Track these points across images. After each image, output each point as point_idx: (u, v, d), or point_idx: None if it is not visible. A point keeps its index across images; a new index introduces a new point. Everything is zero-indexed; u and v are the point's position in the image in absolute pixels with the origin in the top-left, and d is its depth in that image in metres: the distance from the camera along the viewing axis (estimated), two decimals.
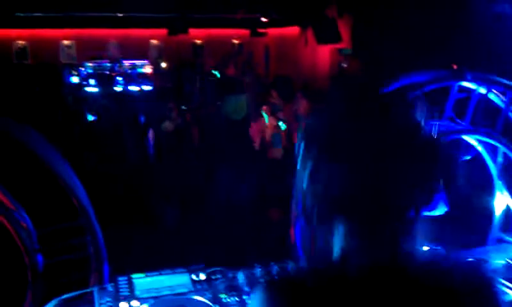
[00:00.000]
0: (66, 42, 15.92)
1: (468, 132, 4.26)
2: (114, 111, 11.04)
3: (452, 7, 9.38)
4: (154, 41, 16.58)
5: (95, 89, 14.62)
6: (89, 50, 15.60)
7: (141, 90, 14.92)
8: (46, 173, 3.43)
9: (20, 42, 15.49)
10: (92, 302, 2.07)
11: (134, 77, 15.39)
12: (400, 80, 4.08)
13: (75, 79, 15.09)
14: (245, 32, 16.58)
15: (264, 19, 15.84)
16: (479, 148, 4.32)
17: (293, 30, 16.23)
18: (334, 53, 15.20)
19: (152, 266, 2.29)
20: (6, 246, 3.19)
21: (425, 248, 1.22)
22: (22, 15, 14.10)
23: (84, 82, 15.02)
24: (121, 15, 14.67)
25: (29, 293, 3.26)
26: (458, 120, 4.17)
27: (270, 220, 5.46)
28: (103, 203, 4.01)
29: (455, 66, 3.31)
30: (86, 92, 14.59)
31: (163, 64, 15.95)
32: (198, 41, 16.84)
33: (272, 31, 16.79)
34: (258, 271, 2.14)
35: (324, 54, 15.35)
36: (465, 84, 4.11)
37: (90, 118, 10.60)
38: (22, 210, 3.42)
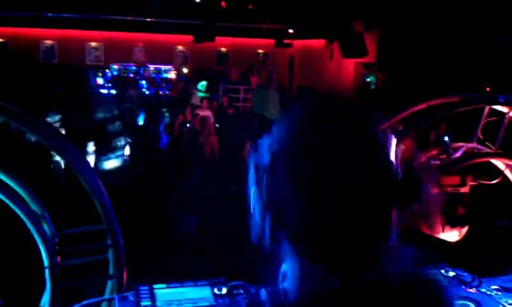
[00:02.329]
0: (93, 44, 16.09)
1: (496, 155, 4.19)
2: (137, 114, 11.10)
3: (482, 26, 9.28)
4: (180, 47, 16.67)
5: (120, 92, 14.72)
6: (116, 52, 15.74)
7: (165, 95, 15.00)
8: (71, 175, 3.43)
9: (48, 42, 15.68)
10: None
11: (158, 81, 15.51)
12: (432, 100, 4.03)
13: (100, 81, 15.26)
14: (270, 42, 16.60)
15: (290, 30, 15.84)
16: (507, 171, 4.24)
17: (318, 42, 16.20)
18: (358, 67, 15.16)
19: (168, 275, 2.26)
20: (26, 246, 3.20)
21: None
22: (50, 15, 14.28)
23: (109, 84, 15.17)
24: (149, 19, 14.78)
25: (46, 293, 3.26)
26: (487, 143, 4.11)
27: None
28: (121, 210, 4.00)
29: (488, 89, 3.25)
30: (111, 94, 14.72)
31: (185, 70, 16.02)
32: (223, 49, 16.90)
33: (298, 43, 16.78)
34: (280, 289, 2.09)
35: (348, 67, 15.30)
36: (497, 107, 4.05)
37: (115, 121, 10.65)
38: (45, 211, 3.42)
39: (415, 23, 11.19)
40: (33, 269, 3.31)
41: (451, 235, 3.02)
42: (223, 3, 13.27)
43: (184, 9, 13.78)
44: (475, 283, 2.56)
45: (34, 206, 3.38)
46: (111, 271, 3.53)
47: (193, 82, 14.10)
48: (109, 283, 3.50)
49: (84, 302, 2.16)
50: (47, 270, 3.28)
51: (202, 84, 13.36)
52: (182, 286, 2.23)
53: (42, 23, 14.58)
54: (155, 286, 2.24)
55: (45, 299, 3.31)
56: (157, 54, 16.01)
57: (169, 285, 2.26)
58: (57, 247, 3.39)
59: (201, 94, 12.80)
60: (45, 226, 3.37)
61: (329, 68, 15.96)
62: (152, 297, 2.13)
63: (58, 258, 3.39)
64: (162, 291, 2.21)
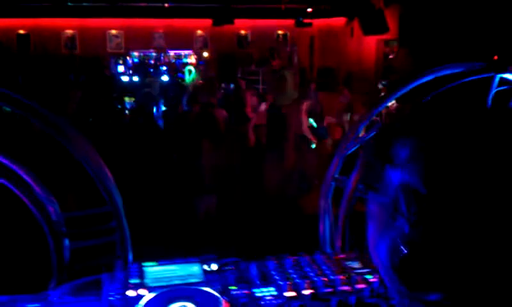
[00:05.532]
0: (113, 32, 16.19)
1: None
2: (158, 100, 11.12)
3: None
4: (199, 32, 16.66)
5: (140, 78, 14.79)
6: (136, 39, 15.82)
7: (185, 80, 15.03)
8: (73, 158, 3.45)
9: (69, 31, 15.83)
10: (100, 288, 2.04)
11: (178, 66, 15.54)
12: (439, 72, 3.90)
13: (121, 68, 15.36)
14: (290, 22, 16.46)
15: (309, 9, 15.67)
16: None
17: (339, 21, 16.00)
18: (380, 44, 14.93)
19: (172, 255, 2.26)
20: (31, 230, 3.23)
21: None
22: (71, 4, 14.40)
23: (130, 71, 15.26)
24: (167, 5, 14.79)
25: (53, 277, 3.29)
26: None
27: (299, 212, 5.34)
28: (134, 191, 4.02)
29: (496, 57, 3.13)
30: (132, 81, 14.80)
31: (205, 54, 16.00)
32: (243, 32, 16.83)
33: (318, 22, 16.60)
34: (271, 264, 2.07)
35: (369, 44, 15.09)
36: (507, 76, 3.90)
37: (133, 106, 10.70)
38: (50, 195, 3.44)
39: None
40: (39, 253, 3.34)
41: None
42: None
43: None
44: None
45: (38, 189, 3.40)
46: (116, 252, 3.54)
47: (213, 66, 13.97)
48: (117, 265, 3.50)
49: (73, 282, 2.16)
50: (53, 254, 3.30)
51: (190, 70, 12.76)
52: (172, 264, 2.22)
53: (62, 12, 14.72)
54: (144, 264, 2.23)
55: (52, 281, 3.34)
56: (176, 39, 16.03)
57: (160, 263, 2.24)
58: (63, 230, 3.42)
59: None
60: (51, 209, 3.40)
61: (351, 46, 15.77)
62: (141, 274, 2.12)
63: (65, 240, 3.42)
64: (152, 269, 2.20)
